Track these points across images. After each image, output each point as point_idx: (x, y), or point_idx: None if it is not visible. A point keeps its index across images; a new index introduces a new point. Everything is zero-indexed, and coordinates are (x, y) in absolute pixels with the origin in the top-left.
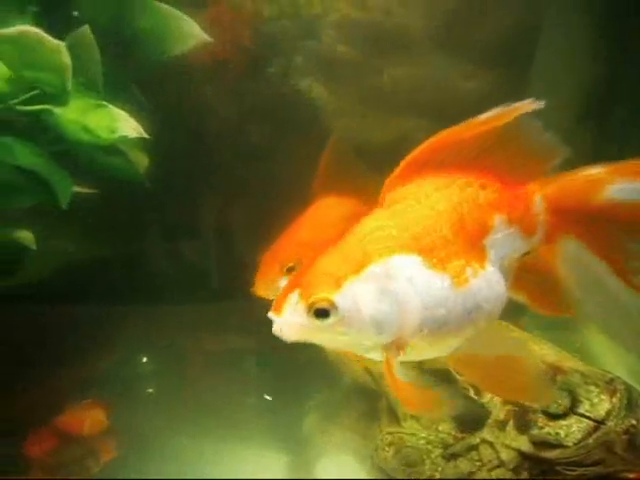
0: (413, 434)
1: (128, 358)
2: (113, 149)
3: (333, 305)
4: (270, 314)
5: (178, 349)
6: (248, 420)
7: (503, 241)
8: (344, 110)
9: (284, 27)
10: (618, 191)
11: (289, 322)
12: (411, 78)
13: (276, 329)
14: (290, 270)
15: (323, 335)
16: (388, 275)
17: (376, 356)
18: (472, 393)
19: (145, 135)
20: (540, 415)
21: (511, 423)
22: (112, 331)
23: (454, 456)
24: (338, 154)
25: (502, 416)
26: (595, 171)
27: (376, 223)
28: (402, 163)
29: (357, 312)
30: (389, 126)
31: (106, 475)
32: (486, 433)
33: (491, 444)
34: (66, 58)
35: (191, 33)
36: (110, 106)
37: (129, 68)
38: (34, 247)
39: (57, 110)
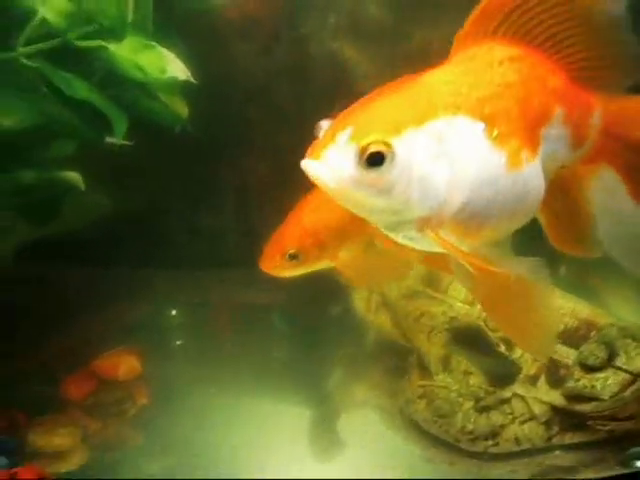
0: (445, 387)
1: (159, 311)
2: (157, 95)
3: (390, 152)
4: (305, 161)
5: (209, 303)
6: (273, 374)
7: (554, 139)
8: (374, 73)
9: None
10: None
11: (331, 166)
12: (444, 41)
13: (314, 173)
14: (292, 257)
15: (361, 190)
16: (450, 135)
17: (401, 236)
18: (503, 349)
19: (192, 79)
20: (576, 368)
21: (542, 378)
22: (145, 285)
23: (486, 408)
24: None
25: (533, 371)
26: None
27: (445, 77)
28: (474, 14)
29: (408, 168)
30: None
31: (138, 419)
32: (517, 387)
33: (523, 398)
34: None
35: None
36: (159, 47)
37: (171, 14)
38: (82, 187)
39: (111, 46)
